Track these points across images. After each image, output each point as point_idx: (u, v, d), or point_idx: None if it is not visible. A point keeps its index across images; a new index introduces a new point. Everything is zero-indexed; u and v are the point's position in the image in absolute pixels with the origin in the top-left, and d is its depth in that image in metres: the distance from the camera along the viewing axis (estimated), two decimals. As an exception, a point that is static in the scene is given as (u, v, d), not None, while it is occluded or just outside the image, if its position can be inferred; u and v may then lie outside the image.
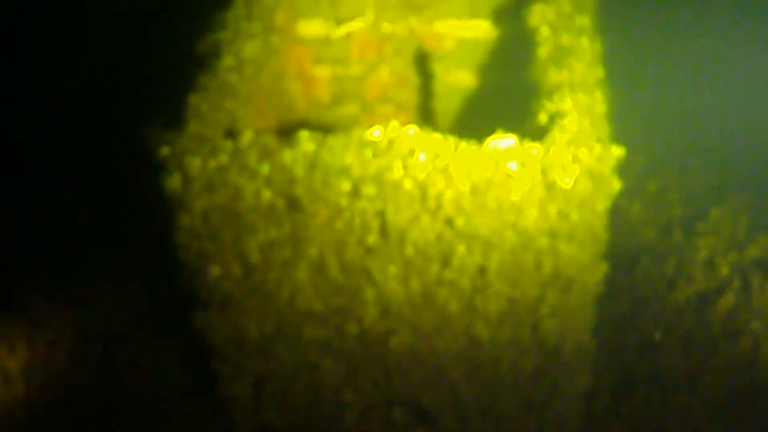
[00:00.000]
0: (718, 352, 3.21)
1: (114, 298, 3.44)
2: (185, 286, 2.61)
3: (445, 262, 2.45)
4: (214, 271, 2.50)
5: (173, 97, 2.47)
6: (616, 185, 2.37)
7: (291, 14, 3.16)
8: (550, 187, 2.28)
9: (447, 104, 3.49)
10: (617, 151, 2.33)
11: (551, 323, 2.59)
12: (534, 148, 2.26)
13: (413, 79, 3.47)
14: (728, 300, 3.35)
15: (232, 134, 2.38)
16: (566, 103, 2.38)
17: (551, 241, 2.37)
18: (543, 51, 2.63)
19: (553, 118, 2.37)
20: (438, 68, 3.38)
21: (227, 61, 2.64)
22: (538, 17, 2.75)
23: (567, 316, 2.59)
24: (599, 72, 2.57)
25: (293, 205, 2.35)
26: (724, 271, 3.44)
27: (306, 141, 2.30)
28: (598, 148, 2.28)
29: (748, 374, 3.17)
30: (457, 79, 3.37)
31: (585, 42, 2.62)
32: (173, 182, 2.35)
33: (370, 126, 2.35)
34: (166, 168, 2.37)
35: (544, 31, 2.68)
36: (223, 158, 2.31)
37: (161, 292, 3.32)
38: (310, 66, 3.27)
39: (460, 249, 2.41)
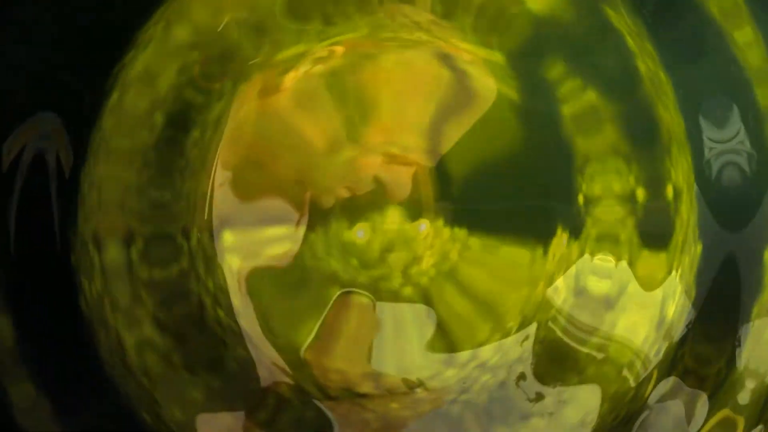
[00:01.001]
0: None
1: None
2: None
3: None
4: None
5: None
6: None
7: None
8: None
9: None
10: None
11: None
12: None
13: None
14: None
15: (127, 239, 1.37)
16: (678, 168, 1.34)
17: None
18: (642, 66, 1.44)
19: (678, 193, 1.34)
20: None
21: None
22: (616, 21, 1.74)
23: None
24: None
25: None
26: None
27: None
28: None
29: None
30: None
31: (663, 77, 1.47)
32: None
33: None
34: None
35: (630, 41, 1.67)
36: (98, 281, 1.34)
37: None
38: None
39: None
